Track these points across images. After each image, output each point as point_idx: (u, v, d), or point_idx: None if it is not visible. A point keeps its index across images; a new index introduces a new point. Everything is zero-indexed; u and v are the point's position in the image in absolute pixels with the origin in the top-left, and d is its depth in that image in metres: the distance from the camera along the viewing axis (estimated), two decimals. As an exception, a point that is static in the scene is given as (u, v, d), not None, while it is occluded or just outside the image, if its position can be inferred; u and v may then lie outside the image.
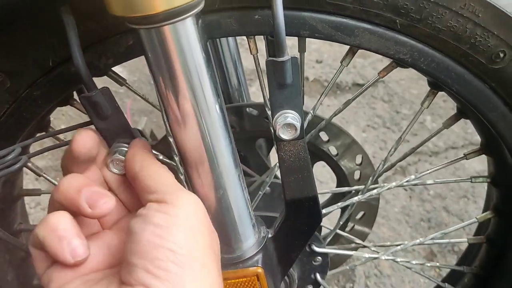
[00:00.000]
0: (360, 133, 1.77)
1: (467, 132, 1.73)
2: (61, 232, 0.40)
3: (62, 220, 0.40)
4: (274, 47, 0.46)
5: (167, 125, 0.58)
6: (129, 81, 0.63)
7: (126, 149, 0.48)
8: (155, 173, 0.44)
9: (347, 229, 0.90)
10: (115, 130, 0.48)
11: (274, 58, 0.45)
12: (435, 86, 0.59)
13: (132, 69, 1.93)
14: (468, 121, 0.64)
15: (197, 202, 0.43)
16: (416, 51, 0.51)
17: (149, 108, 1.76)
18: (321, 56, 2.08)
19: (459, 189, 1.56)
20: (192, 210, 0.42)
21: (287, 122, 0.47)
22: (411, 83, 1.96)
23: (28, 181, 1.43)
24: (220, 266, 0.43)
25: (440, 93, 0.60)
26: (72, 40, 0.44)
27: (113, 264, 0.44)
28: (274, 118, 0.49)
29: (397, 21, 0.49)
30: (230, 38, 0.77)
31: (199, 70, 0.43)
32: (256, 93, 1.79)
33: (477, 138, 1.74)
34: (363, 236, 0.91)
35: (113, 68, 0.57)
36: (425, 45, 0.51)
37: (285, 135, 0.49)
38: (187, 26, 0.40)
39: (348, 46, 0.55)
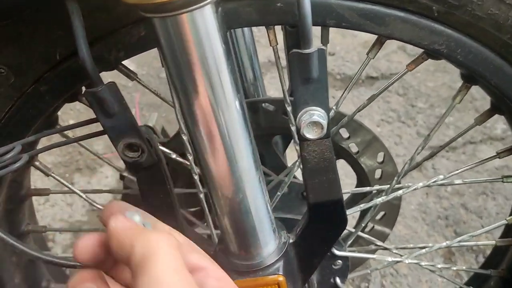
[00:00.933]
0: (375, 127, 1.72)
1: (485, 127, 1.68)
2: None
3: None
4: (299, 38, 0.42)
5: (181, 122, 0.55)
6: (137, 75, 0.59)
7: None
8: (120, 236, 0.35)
9: (367, 229, 0.86)
10: (121, 128, 0.44)
11: (299, 50, 0.41)
12: (470, 79, 0.54)
13: (140, 63, 1.89)
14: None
15: (166, 246, 0.34)
16: (453, 41, 0.47)
17: (158, 102, 1.73)
18: (333, 49, 2.03)
19: (477, 186, 1.51)
20: (165, 262, 0.33)
21: (313, 120, 0.44)
22: (427, 75, 1.91)
23: (37, 177, 1.41)
24: None
25: (457, 86, 0.55)
26: (77, 30, 0.40)
27: None
28: (298, 116, 0.45)
29: (434, 8, 0.45)
30: (246, 30, 0.73)
31: (218, 63, 0.40)
32: (268, 86, 1.75)
33: (496, 132, 1.69)
34: (383, 237, 0.87)
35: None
36: (463, 34, 0.47)
37: (310, 134, 0.45)
38: (206, 15, 0.36)
39: (376, 36, 0.51)
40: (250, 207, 0.47)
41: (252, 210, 0.47)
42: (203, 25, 0.37)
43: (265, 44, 0.54)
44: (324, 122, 0.44)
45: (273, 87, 1.82)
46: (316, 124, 0.44)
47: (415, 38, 0.47)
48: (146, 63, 1.90)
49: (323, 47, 0.42)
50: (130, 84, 1.81)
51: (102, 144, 1.54)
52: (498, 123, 1.66)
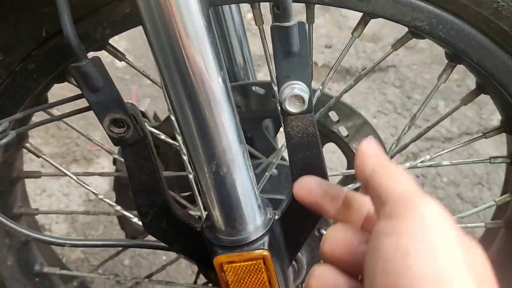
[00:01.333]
0: (371, 119, 1.73)
1: (481, 118, 1.68)
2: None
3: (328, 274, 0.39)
4: (280, 13, 0.42)
5: (168, 100, 0.55)
6: (125, 55, 0.60)
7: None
8: (387, 178, 0.36)
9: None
10: (107, 104, 0.45)
11: (279, 23, 0.42)
12: (454, 58, 0.55)
13: (137, 55, 1.90)
14: (482, 106, 0.60)
15: (437, 210, 0.33)
16: (434, 18, 0.48)
17: (155, 93, 1.74)
18: (330, 41, 2.03)
19: (473, 176, 1.52)
20: (430, 222, 0.32)
21: (294, 94, 0.44)
22: (423, 67, 1.91)
23: (34, 167, 1.42)
24: None
25: (454, 78, 0.56)
26: (62, 7, 0.41)
27: None
28: (281, 90, 0.45)
29: (414, -17, 0.46)
30: (234, 12, 0.74)
31: (199, 37, 0.40)
32: (264, 78, 1.75)
33: (492, 123, 1.69)
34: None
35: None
36: (444, 10, 0.47)
37: (292, 107, 0.45)
38: (185, -14, 0.37)
39: (357, 19, 0.51)
40: (234, 181, 0.47)
41: (237, 184, 0.48)
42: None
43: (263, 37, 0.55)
44: (306, 96, 0.44)
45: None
46: (297, 97, 0.44)
47: (397, 14, 0.48)
48: (143, 56, 1.91)
49: (303, 21, 0.42)
50: (127, 77, 1.82)
51: (99, 134, 1.54)
52: (494, 114, 1.67)
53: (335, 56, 1.99)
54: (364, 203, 0.42)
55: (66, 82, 0.58)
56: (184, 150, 0.63)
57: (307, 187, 0.43)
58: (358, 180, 0.40)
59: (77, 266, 1.28)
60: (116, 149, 0.71)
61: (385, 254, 0.32)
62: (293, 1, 0.43)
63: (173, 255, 0.90)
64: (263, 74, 1.81)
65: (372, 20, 0.52)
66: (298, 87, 0.44)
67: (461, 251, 0.31)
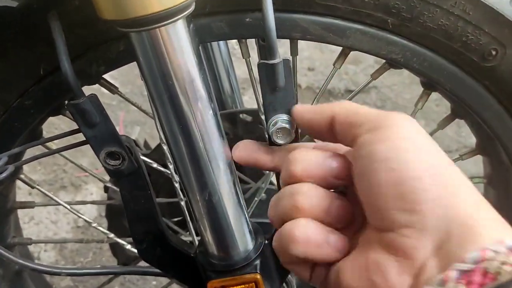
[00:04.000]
0: (355, 139, 1.77)
1: (460, 136, 1.74)
2: (315, 240, 0.38)
3: (312, 230, 0.38)
4: (266, 51, 0.45)
5: (161, 131, 0.58)
6: (118, 88, 0.62)
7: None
8: (353, 108, 0.39)
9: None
10: (103, 138, 0.47)
11: (265, 61, 0.45)
12: (428, 86, 0.59)
13: (124, 81, 1.92)
14: (462, 125, 0.64)
15: (412, 120, 0.36)
16: (408, 51, 0.51)
17: (143, 119, 1.76)
18: (313, 64, 2.09)
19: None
20: (413, 128, 0.35)
21: (280, 127, 0.47)
22: (403, 88, 1.97)
23: (22, 196, 1.42)
24: None
25: (433, 98, 0.59)
26: (60, 47, 0.43)
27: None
28: (268, 123, 0.48)
29: (389, 21, 0.49)
30: (221, 44, 0.77)
31: (192, 73, 0.43)
32: (250, 102, 1.79)
33: (471, 141, 1.74)
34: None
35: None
36: (417, 44, 0.51)
37: (279, 139, 0.48)
38: (178, 29, 0.40)
39: (341, 48, 0.55)
40: (227, 208, 0.49)
41: (229, 211, 0.50)
42: (176, 39, 0.40)
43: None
44: (291, 128, 0.47)
45: (255, 102, 1.86)
46: (283, 130, 0.47)
47: (374, 48, 0.52)
48: (129, 82, 1.93)
49: (288, 58, 0.45)
50: (114, 102, 1.84)
51: (87, 161, 1.55)
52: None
53: (318, 78, 2.04)
54: (305, 144, 0.45)
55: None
56: (176, 178, 0.65)
57: (240, 147, 0.47)
58: (310, 134, 0.44)
59: (67, 294, 1.28)
60: (104, 174, 0.73)
61: (385, 155, 0.34)
62: (278, 37, 0.47)
63: (164, 280, 0.91)
64: (248, 98, 1.84)
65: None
66: (284, 120, 0.47)
67: (437, 146, 0.36)
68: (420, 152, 0.34)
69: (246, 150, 0.47)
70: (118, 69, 0.54)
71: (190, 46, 0.42)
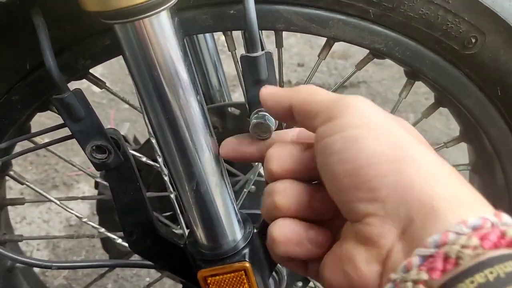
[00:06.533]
0: (345, 133, 1.78)
1: (449, 128, 1.76)
2: (295, 239, 0.38)
3: (289, 229, 0.39)
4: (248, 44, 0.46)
5: (148, 124, 0.58)
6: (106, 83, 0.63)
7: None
8: (308, 95, 0.39)
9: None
10: (88, 132, 0.48)
11: (248, 54, 0.45)
12: (412, 75, 0.60)
13: (114, 80, 1.92)
14: (450, 117, 0.64)
15: (365, 100, 0.36)
16: (391, 40, 0.52)
17: (133, 117, 1.76)
18: (302, 60, 2.10)
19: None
20: (365, 111, 0.35)
21: (256, 122, 0.47)
22: (393, 82, 1.98)
23: (13, 196, 1.41)
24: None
25: (422, 91, 0.60)
26: (43, 42, 0.44)
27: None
28: (251, 116, 0.48)
29: (370, 10, 0.50)
30: (208, 38, 0.78)
31: (176, 65, 0.44)
32: (241, 98, 1.79)
33: (460, 133, 1.76)
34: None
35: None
36: (399, 33, 0.52)
37: (258, 135, 0.48)
38: (162, 20, 0.40)
39: (325, 39, 0.56)
40: (214, 197, 0.50)
41: (217, 200, 0.50)
42: (160, 30, 0.41)
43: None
44: (273, 121, 0.47)
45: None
46: (259, 125, 0.47)
47: (356, 38, 0.52)
48: (120, 80, 1.93)
49: (269, 51, 0.46)
50: (104, 101, 1.84)
51: (78, 160, 1.55)
52: (461, 124, 1.74)
53: (308, 74, 2.05)
54: (287, 132, 0.45)
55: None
56: (165, 171, 0.66)
57: (224, 144, 0.47)
58: (276, 118, 0.44)
59: (60, 293, 1.28)
60: (97, 172, 0.73)
61: (337, 147, 0.34)
62: (262, 29, 0.47)
63: (157, 275, 0.91)
64: (238, 94, 1.85)
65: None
66: (263, 115, 0.47)
67: (397, 124, 0.35)
68: (374, 137, 0.33)
69: (230, 145, 0.47)
70: (108, 68, 0.55)
71: (175, 38, 0.43)
